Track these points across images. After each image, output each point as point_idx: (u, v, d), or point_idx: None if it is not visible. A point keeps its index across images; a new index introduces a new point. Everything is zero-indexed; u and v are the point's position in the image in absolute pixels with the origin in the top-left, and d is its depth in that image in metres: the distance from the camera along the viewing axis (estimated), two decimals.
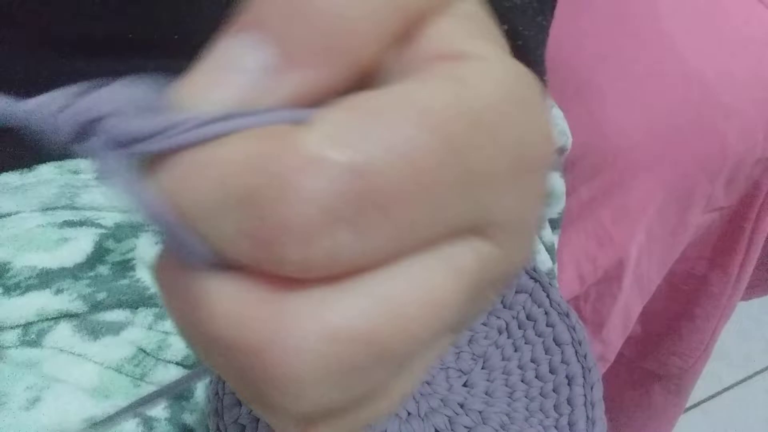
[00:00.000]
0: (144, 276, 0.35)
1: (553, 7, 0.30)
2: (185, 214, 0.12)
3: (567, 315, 0.38)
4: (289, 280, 0.12)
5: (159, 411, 0.33)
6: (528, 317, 0.38)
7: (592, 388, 0.35)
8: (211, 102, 0.12)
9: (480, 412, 0.34)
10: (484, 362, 0.36)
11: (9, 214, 0.35)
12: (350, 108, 0.12)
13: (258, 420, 0.32)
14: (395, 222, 0.12)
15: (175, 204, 0.12)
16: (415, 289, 0.13)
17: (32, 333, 0.33)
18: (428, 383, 0.34)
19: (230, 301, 0.12)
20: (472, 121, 0.13)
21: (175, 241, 0.12)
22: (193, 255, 0.12)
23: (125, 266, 0.35)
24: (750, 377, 1.15)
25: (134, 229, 0.36)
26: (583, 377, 0.35)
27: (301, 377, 0.12)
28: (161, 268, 0.14)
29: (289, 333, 0.12)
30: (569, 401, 0.35)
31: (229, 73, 0.12)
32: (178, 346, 0.35)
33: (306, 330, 0.12)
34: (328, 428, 0.14)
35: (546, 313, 0.38)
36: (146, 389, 0.34)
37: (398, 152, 0.12)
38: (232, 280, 0.12)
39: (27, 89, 0.14)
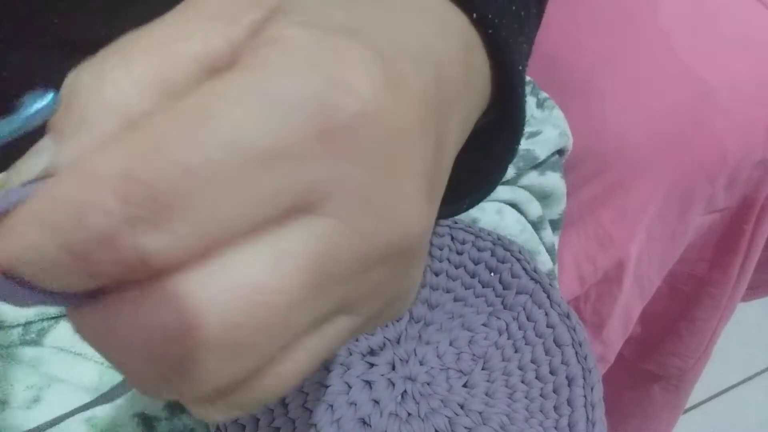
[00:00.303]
0: None
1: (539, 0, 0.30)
2: (22, 268, 0.13)
3: (567, 316, 0.38)
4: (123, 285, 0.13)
5: (159, 411, 0.33)
6: (528, 318, 0.38)
7: (592, 390, 0.35)
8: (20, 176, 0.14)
9: (480, 413, 0.33)
10: (484, 363, 0.36)
11: None
12: (134, 127, 0.13)
13: (258, 420, 0.32)
14: (199, 216, 0.13)
15: (7, 263, 0.13)
16: (236, 278, 0.13)
17: (32, 332, 0.33)
18: (428, 384, 0.34)
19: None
20: (260, 101, 0.13)
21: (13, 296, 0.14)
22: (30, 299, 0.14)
23: None
24: (750, 378, 1.15)
25: None
26: (584, 378, 0.35)
27: (124, 359, 0.14)
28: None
29: (116, 331, 0.14)
30: (569, 402, 0.35)
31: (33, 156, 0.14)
32: None
33: (131, 323, 0.13)
34: (215, 406, 0.15)
35: (546, 314, 0.38)
36: None
37: (178, 152, 0.13)
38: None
39: (27, 89, 0.15)
